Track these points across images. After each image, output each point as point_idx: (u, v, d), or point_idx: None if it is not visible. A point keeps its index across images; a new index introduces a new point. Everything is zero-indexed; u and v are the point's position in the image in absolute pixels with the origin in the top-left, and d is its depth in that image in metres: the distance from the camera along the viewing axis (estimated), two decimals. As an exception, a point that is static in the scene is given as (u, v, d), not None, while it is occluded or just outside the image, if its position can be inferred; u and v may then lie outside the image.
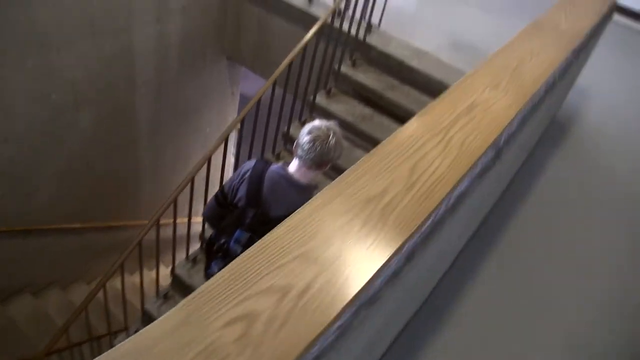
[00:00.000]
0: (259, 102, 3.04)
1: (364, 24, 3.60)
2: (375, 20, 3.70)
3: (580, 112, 3.53)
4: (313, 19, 3.31)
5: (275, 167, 2.08)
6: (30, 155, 3.37)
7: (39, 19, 2.84)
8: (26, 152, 3.34)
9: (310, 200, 1.04)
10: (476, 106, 1.42)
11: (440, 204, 1.10)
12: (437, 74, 3.42)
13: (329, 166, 2.04)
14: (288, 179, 2.03)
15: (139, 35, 3.47)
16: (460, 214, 1.47)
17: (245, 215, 2.08)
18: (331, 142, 1.93)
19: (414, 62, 3.52)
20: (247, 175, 2.07)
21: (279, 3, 3.92)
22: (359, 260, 0.93)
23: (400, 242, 0.98)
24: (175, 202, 3.29)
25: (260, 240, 0.92)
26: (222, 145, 3.00)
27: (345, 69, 3.64)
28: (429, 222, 1.15)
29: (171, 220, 3.75)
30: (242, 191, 2.07)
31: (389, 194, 1.08)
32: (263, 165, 2.08)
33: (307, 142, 1.93)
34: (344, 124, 3.50)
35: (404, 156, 1.19)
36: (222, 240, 2.17)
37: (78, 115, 3.48)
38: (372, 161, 1.16)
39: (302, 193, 2.02)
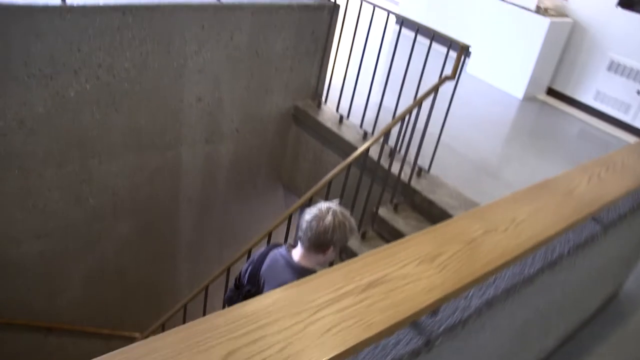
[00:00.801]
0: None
1: (411, 167, 3.40)
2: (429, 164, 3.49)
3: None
4: (365, 156, 3.17)
5: (280, 249, 2.08)
6: (61, 254, 3.44)
7: (84, 129, 3.02)
8: (57, 251, 3.41)
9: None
10: (383, 283, 1.09)
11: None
12: (480, 229, 3.02)
13: (331, 249, 1.93)
14: (287, 260, 2.00)
15: (187, 154, 3.56)
16: None
17: (243, 292, 2.11)
18: (327, 220, 1.86)
19: (458, 213, 3.18)
20: (255, 257, 2.14)
21: (334, 137, 3.88)
22: None
23: None
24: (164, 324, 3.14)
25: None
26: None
27: (384, 212, 3.38)
28: None
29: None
30: (248, 271, 2.13)
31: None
32: (270, 248, 2.13)
33: (305, 222, 1.90)
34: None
35: (225, 338, 0.89)
36: None
37: (115, 222, 3.55)
38: (178, 336, 0.89)
39: (298, 276, 1.92)
